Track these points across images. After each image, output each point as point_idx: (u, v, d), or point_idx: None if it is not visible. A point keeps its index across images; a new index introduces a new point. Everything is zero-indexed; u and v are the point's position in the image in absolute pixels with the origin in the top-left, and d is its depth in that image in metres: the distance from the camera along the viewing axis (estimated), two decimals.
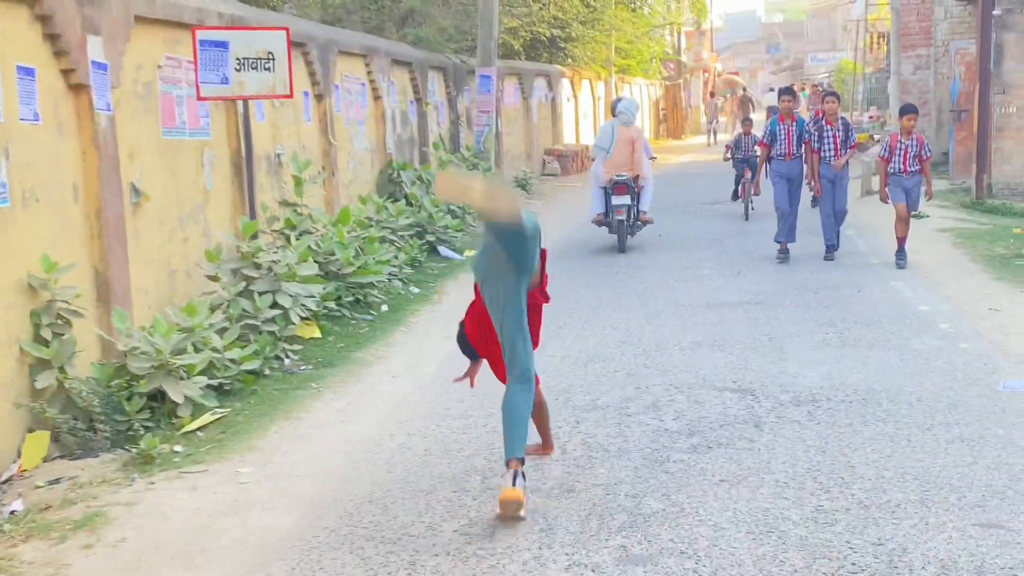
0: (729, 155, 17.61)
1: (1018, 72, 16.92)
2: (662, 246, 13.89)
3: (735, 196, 17.37)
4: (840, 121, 12.07)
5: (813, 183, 12.08)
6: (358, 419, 6.77)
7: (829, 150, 11.98)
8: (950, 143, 19.63)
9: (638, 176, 13.64)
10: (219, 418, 6.82)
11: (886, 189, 11.40)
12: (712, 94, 45.02)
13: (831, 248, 12.13)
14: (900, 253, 11.33)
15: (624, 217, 13.36)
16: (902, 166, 11.31)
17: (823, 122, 12.07)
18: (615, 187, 13.32)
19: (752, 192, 15.33)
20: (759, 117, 43.71)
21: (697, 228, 15.38)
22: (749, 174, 16.02)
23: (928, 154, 11.40)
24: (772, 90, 49.78)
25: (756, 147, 15.87)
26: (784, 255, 12.11)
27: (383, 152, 14.75)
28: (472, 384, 5.77)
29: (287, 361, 8.20)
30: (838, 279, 10.86)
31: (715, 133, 39.99)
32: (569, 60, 28.40)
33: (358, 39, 14.22)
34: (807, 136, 12.09)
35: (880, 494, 5.02)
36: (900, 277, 10.78)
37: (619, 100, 15.41)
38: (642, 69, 37.90)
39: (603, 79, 33.64)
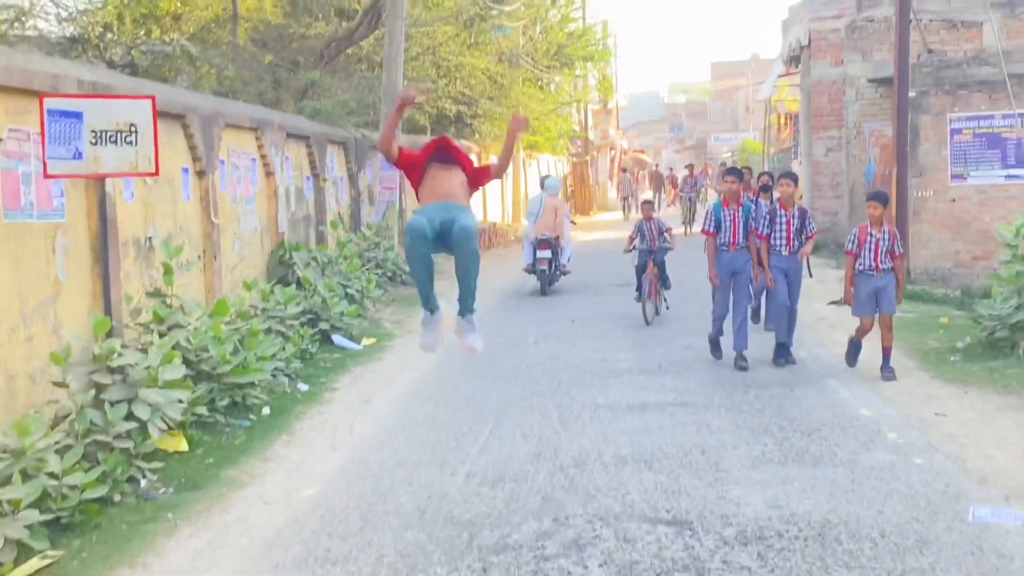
0: (632, 246, 14.25)
1: (934, 155, 16.62)
2: (576, 334, 12.96)
3: (640, 294, 13.75)
4: (796, 208, 10.80)
5: (761, 275, 10.60)
6: (218, 565, 5.58)
7: (781, 238, 10.61)
8: None
9: (559, 236, 17.05)
10: (50, 563, 5.60)
11: (852, 288, 10.00)
12: (624, 170, 44.81)
13: (783, 347, 10.55)
14: (852, 350, 10.08)
15: (546, 268, 16.81)
16: (873, 262, 9.81)
17: (777, 206, 10.79)
18: (540, 244, 16.82)
19: (658, 295, 13.76)
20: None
21: (611, 313, 14.41)
22: (654, 269, 13.61)
23: (900, 250, 9.97)
24: (670, 170, 49.98)
25: (664, 234, 13.96)
26: (744, 362, 10.37)
27: (275, 232, 13.64)
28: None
29: (143, 482, 6.98)
30: (767, 376, 10.01)
31: (630, 208, 39.63)
32: (476, 136, 27.69)
33: (247, 111, 13.15)
34: (753, 224, 10.66)
35: None
36: (834, 374, 9.98)
37: (547, 177, 19.82)
38: (550, 145, 37.44)
39: None
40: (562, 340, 12.50)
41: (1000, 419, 8.08)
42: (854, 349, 10.17)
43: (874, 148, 19.85)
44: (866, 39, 20.76)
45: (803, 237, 10.72)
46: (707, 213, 10.92)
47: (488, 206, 29.79)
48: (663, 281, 13.97)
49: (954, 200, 16.61)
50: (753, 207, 10.83)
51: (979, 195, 16.53)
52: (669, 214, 32.84)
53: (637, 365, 10.79)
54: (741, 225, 10.54)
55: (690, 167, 34.50)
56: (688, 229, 27.92)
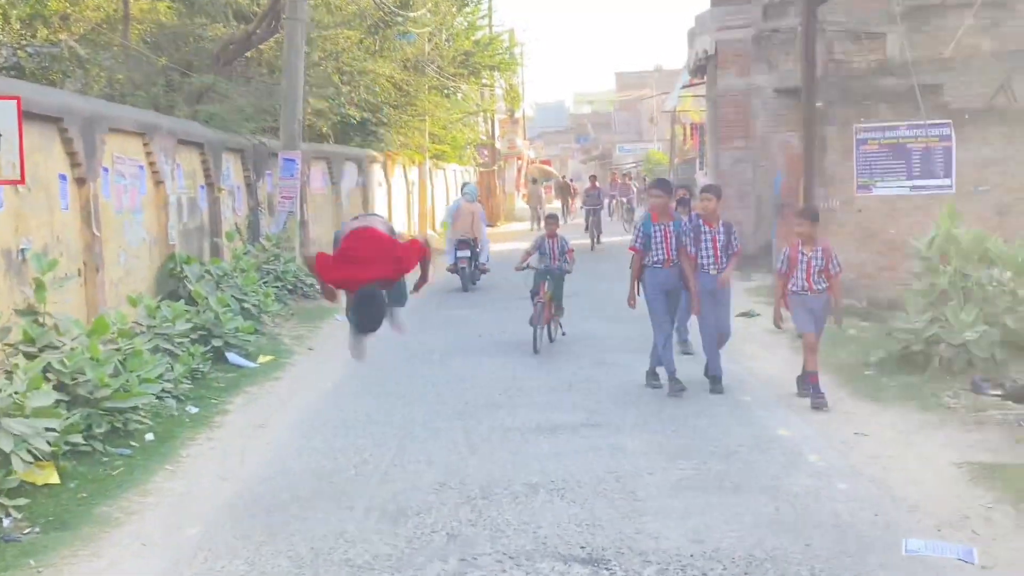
0: (525, 264, 12.98)
1: (840, 166, 16.54)
2: (483, 349, 12.51)
3: (537, 318, 12.28)
4: (721, 223, 10.26)
5: (692, 299, 9.89)
6: None
7: (708, 256, 10.06)
8: (772, 237, 19.16)
9: (476, 238, 18.95)
10: None
11: (782, 311, 9.37)
12: (534, 180, 44.49)
13: (715, 380, 9.75)
14: (814, 392, 8.95)
15: (465, 266, 18.72)
16: (806, 283, 9.18)
17: (700, 222, 10.21)
18: (459, 244, 18.79)
19: (552, 319, 12.62)
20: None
21: (519, 328, 13.79)
22: (547, 292, 12.38)
23: (838, 269, 9.23)
24: (571, 180, 49.75)
25: (566, 255, 12.82)
26: (678, 386, 9.58)
27: (165, 244, 12.88)
28: None
29: (6, 522, 6.30)
30: (681, 395, 9.66)
31: (540, 219, 39.22)
32: (382, 144, 27.08)
33: (134, 115, 12.40)
34: (685, 239, 9.81)
35: None
36: (748, 391, 9.69)
37: (466, 184, 22.24)
38: (457, 155, 37.00)
39: (417, 164, 32.51)
40: (469, 356, 12.03)
41: (922, 439, 7.83)
42: (813, 390, 9.08)
43: (781, 158, 19.81)
44: (772, 49, 20.74)
45: (729, 253, 10.21)
46: (636, 228, 10.17)
47: (394, 216, 29.21)
48: (558, 308, 12.86)
49: (860, 211, 16.53)
50: (683, 221, 10.12)
51: (885, 206, 16.48)
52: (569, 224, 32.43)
53: (547, 383, 10.36)
54: (674, 241, 9.79)
55: (592, 178, 33.92)
56: (594, 244, 27.39)
